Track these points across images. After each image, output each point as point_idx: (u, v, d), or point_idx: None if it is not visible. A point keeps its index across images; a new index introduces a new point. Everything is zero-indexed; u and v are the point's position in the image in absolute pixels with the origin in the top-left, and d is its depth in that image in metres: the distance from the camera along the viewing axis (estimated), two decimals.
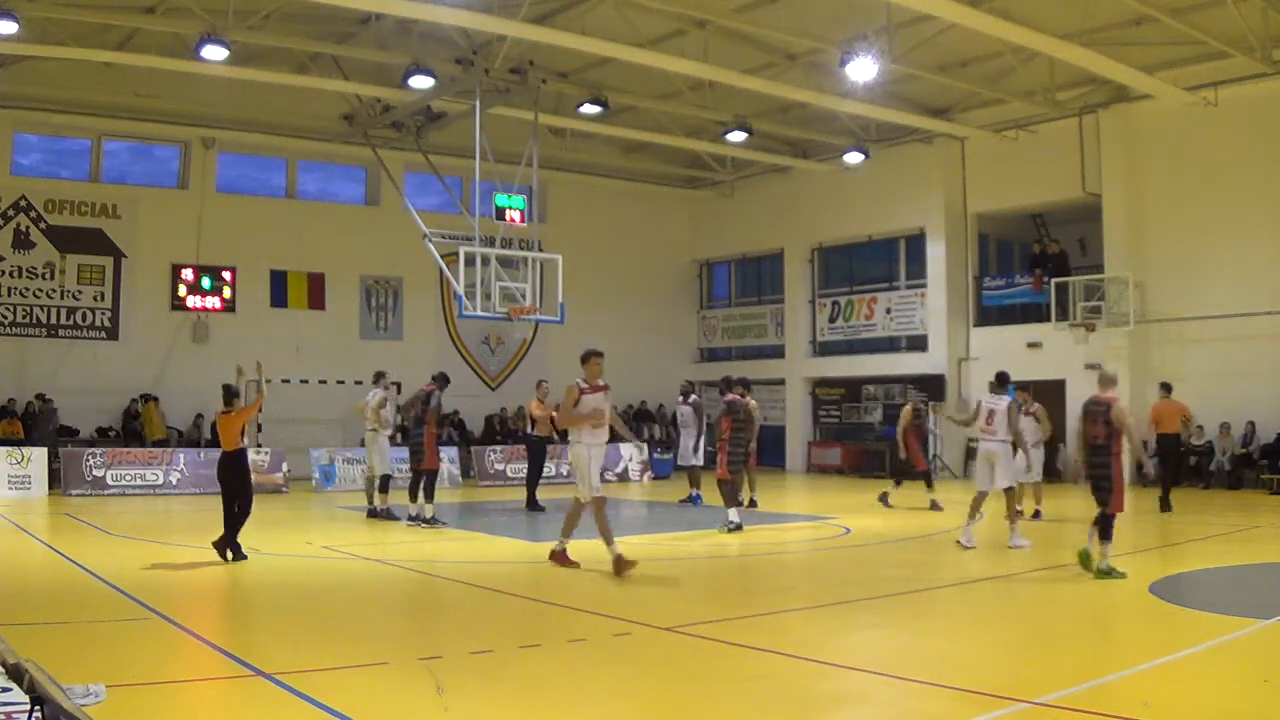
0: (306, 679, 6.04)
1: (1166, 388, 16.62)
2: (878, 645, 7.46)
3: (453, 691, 5.86)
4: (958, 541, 11.86)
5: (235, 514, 10.85)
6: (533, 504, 16.38)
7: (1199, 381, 19.66)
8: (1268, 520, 14.67)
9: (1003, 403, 11.97)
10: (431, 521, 14.11)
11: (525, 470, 17.88)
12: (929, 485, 16.78)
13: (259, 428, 22.56)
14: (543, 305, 19.50)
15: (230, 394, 11.12)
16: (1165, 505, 15.29)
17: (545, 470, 17.60)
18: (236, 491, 10.91)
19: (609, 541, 10.17)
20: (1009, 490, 12.00)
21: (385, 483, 15.31)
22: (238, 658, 6.65)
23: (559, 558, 10.60)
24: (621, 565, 9.92)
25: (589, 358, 10.77)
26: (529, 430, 17.76)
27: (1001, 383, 12.44)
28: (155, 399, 21.88)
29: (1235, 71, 18.66)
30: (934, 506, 16.04)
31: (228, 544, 10.72)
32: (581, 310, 23.48)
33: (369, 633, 7.78)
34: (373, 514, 15.18)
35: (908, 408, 17.19)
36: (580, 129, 23.96)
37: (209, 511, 12.64)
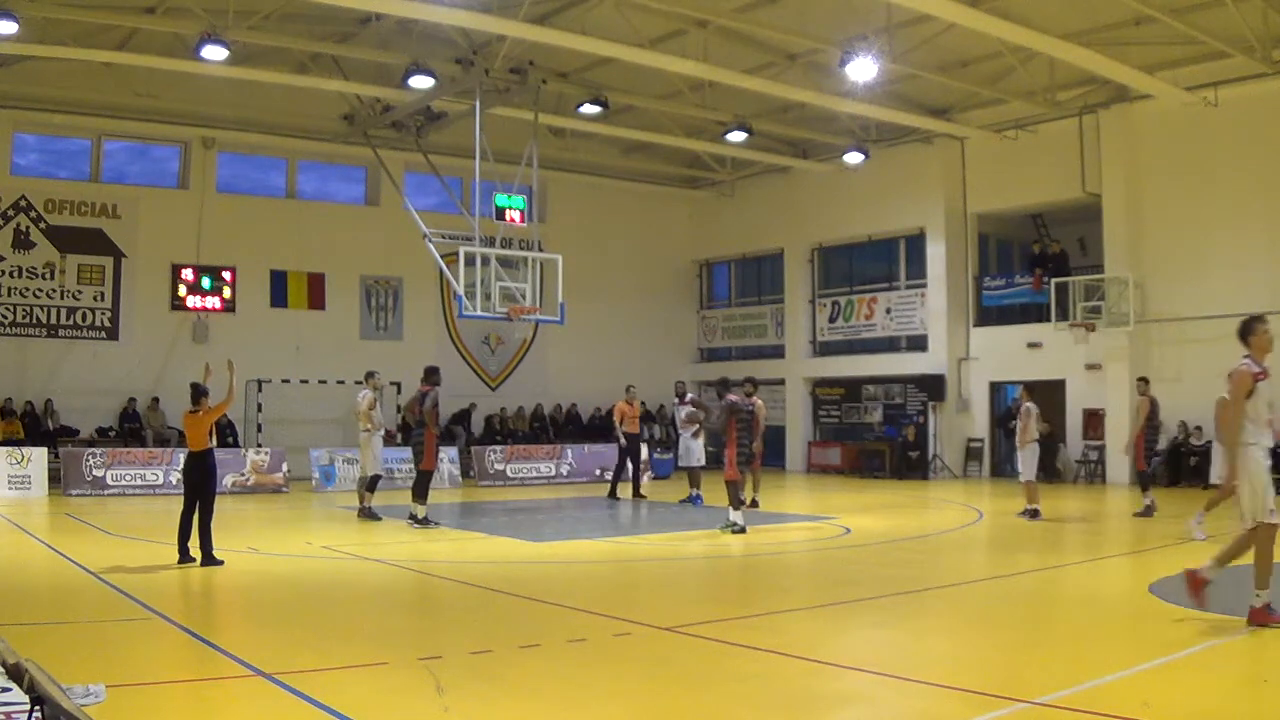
0: (306, 679, 6.04)
1: None
2: (878, 645, 7.46)
3: (453, 691, 5.86)
4: (1195, 537, 11.66)
5: (195, 517, 10.53)
6: (613, 494, 18.49)
7: (1199, 381, 19.58)
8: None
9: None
10: (423, 522, 14.07)
11: (617, 469, 19.22)
12: (1145, 488, 15.18)
13: (259, 428, 22.61)
14: (543, 305, 19.48)
15: (198, 393, 10.75)
16: None
17: (556, 470, 18.06)
18: (201, 493, 10.59)
19: (1263, 584, 7.33)
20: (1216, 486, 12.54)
21: (374, 483, 15.41)
22: (238, 658, 6.64)
23: (1263, 615, 7.30)
24: (1267, 616, 7.28)
25: (1254, 326, 7.51)
26: (619, 429, 19.13)
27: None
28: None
29: (1235, 71, 18.65)
30: (1147, 511, 14.79)
31: (183, 546, 10.51)
32: (581, 310, 23.48)
33: (369, 633, 7.77)
34: (363, 514, 15.20)
35: (1143, 401, 15.18)
36: (580, 129, 23.94)
37: None
